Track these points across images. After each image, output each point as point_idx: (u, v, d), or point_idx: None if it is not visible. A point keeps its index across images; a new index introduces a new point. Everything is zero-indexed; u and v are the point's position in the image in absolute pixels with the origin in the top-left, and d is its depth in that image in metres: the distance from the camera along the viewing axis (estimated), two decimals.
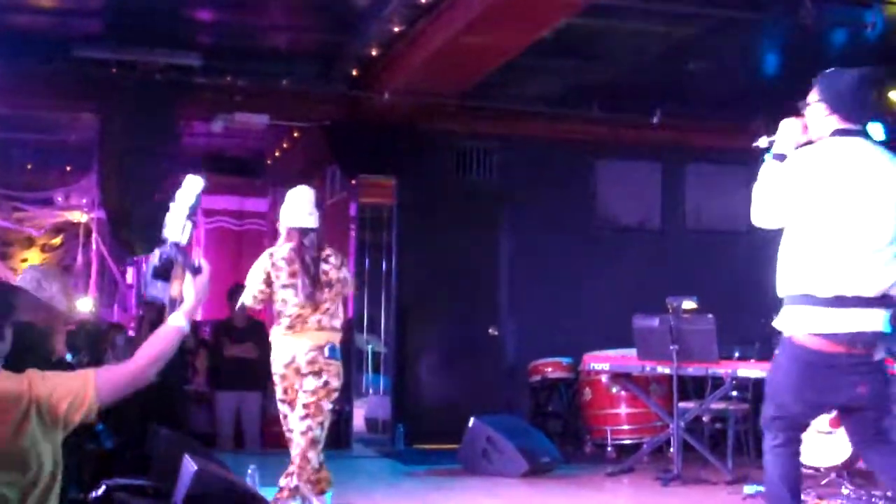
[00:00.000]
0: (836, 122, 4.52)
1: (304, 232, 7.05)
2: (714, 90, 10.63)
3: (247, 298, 7.09)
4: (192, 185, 3.58)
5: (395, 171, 11.15)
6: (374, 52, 9.82)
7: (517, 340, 11.20)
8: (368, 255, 11.64)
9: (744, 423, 9.46)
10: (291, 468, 6.64)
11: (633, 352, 9.02)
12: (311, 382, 6.72)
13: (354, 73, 10.39)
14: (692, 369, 8.73)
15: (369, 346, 11.71)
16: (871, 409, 4.51)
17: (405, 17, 8.96)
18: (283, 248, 6.97)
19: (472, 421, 9.03)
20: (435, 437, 10.37)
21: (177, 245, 3.49)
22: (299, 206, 7.17)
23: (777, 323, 4.58)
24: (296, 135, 12.44)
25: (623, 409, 10.02)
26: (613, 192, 11.85)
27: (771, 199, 4.50)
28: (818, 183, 4.39)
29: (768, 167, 4.59)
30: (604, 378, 9.80)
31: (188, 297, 3.35)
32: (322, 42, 10.15)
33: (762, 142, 4.80)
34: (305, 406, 6.70)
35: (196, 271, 3.40)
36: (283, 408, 6.86)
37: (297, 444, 6.68)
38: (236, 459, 7.82)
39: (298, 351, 6.75)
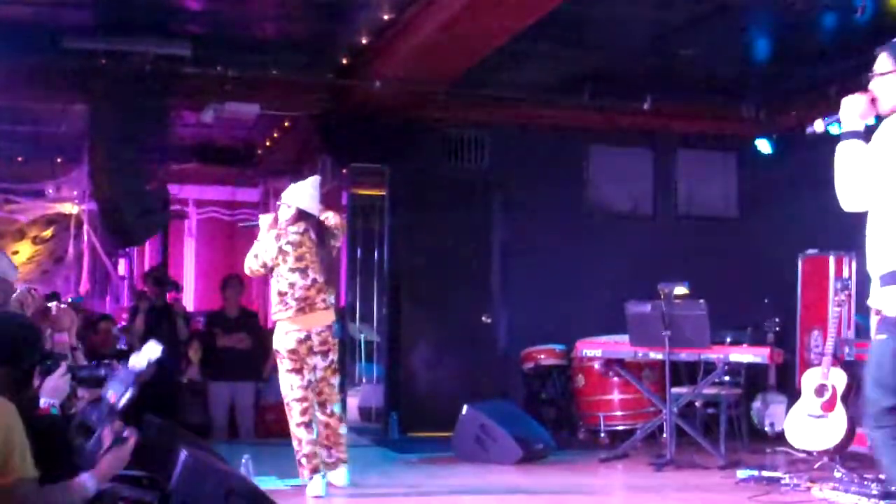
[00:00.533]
0: None
1: (312, 218, 7.41)
2: (705, 75, 10.64)
3: (254, 263, 7.44)
4: (149, 352, 3.63)
5: (386, 159, 11.14)
6: (364, 41, 9.80)
7: (510, 328, 11.22)
8: (360, 244, 11.65)
9: (736, 407, 9.50)
10: (308, 448, 7.14)
11: (625, 338, 9.05)
12: (321, 362, 7.27)
13: (345, 61, 10.36)
14: (684, 355, 8.76)
15: (362, 335, 11.73)
16: None
17: (395, 5, 8.93)
18: (290, 231, 7.30)
19: (465, 408, 9.05)
20: (428, 425, 10.39)
21: (111, 408, 3.53)
22: (313, 193, 7.54)
23: (878, 303, 4.35)
24: (287, 124, 12.42)
25: (616, 395, 10.05)
26: (605, 178, 11.85)
27: (861, 180, 4.21)
28: None
29: (846, 148, 4.28)
30: (596, 364, 9.82)
31: (105, 464, 3.31)
32: (312, 31, 10.11)
33: (818, 125, 4.55)
34: (321, 393, 7.29)
35: (121, 441, 3.40)
36: (291, 377, 7.22)
37: (325, 424, 7.30)
38: (230, 449, 7.82)
39: (313, 330, 7.22)
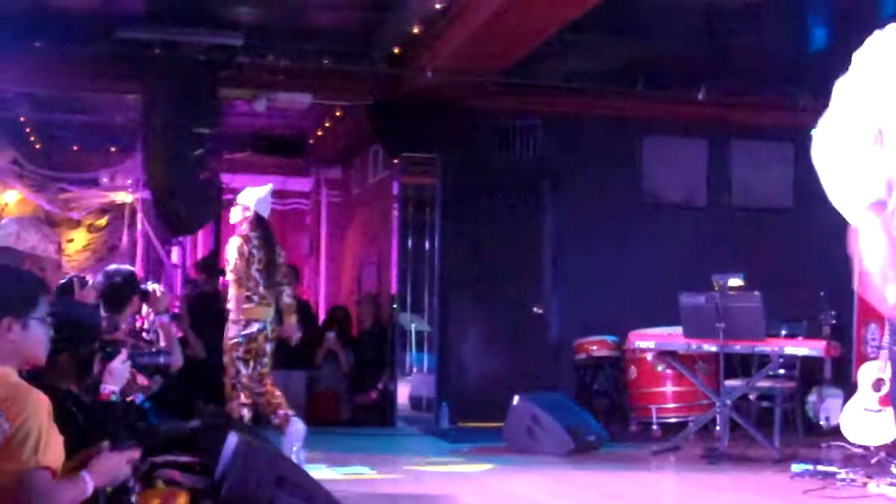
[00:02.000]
0: None
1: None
2: (761, 64, 10.49)
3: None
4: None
5: (437, 149, 11.12)
6: (415, 30, 9.78)
7: (562, 318, 11.16)
8: (411, 234, 11.63)
9: (791, 401, 9.38)
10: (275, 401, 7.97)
11: (678, 329, 8.96)
12: (271, 348, 8.09)
13: (396, 51, 10.35)
14: (739, 347, 8.66)
15: (412, 325, 11.71)
16: None
17: None
18: (253, 237, 8.07)
19: (516, 399, 9.01)
20: (479, 416, 10.37)
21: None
22: (269, 200, 8.35)
23: None
24: (338, 114, 12.43)
25: (669, 388, 9.96)
26: (658, 168, 11.74)
27: None
28: None
29: None
30: (649, 356, 9.75)
31: (98, 465, 3.30)
32: (364, 20, 10.11)
33: None
34: (264, 367, 8.02)
35: (121, 448, 3.39)
36: (241, 364, 7.89)
37: (273, 394, 8.01)
38: (281, 436, 7.85)
39: (269, 321, 8.02)
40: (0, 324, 3.15)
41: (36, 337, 3.25)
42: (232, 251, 8.04)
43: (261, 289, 7.99)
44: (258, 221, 8.10)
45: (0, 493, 2.99)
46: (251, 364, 7.93)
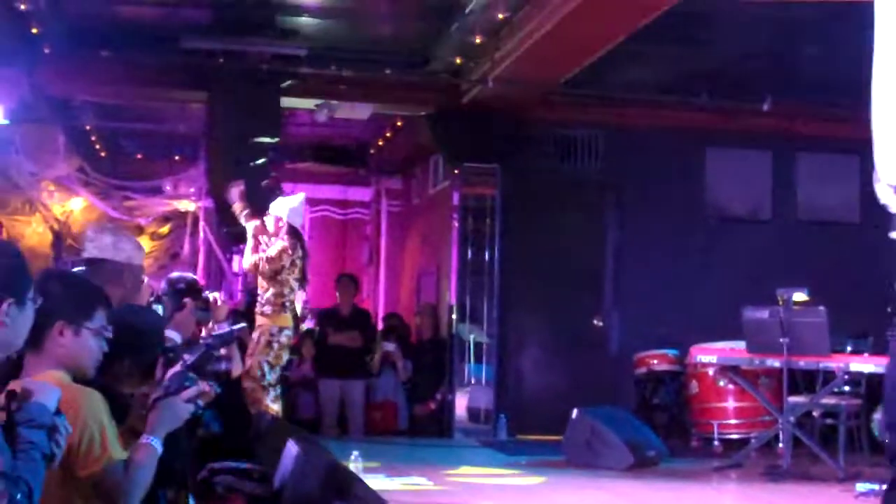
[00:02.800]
0: None
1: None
2: (827, 76, 10.33)
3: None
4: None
5: (498, 159, 11.09)
6: (477, 40, 9.77)
7: (622, 331, 11.07)
8: (471, 245, 11.59)
9: (856, 419, 9.20)
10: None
11: (741, 344, 8.83)
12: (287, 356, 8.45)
13: (458, 61, 10.35)
14: (803, 363, 8.51)
15: (471, 336, 11.67)
16: None
17: (509, 5, 8.89)
18: (297, 246, 8.30)
19: (575, 412, 8.94)
20: (538, 428, 10.32)
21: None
22: (301, 210, 8.62)
23: None
24: (399, 124, 12.47)
25: (731, 403, 9.83)
26: (722, 180, 11.62)
27: None
28: None
29: None
30: (711, 371, 9.63)
31: (153, 417, 3.29)
32: (425, 31, 10.13)
33: None
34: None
35: (173, 392, 3.37)
36: (267, 367, 8.06)
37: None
38: (340, 446, 7.85)
39: (292, 328, 8.41)
40: (53, 327, 3.16)
41: (87, 347, 3.23)
42: (276, 258, 8.15)
43: (293, 296, 8.21)
44: (292, 232, 8.24)
45: (86, 498, 3.02)
46: (276, 368, 8.13)
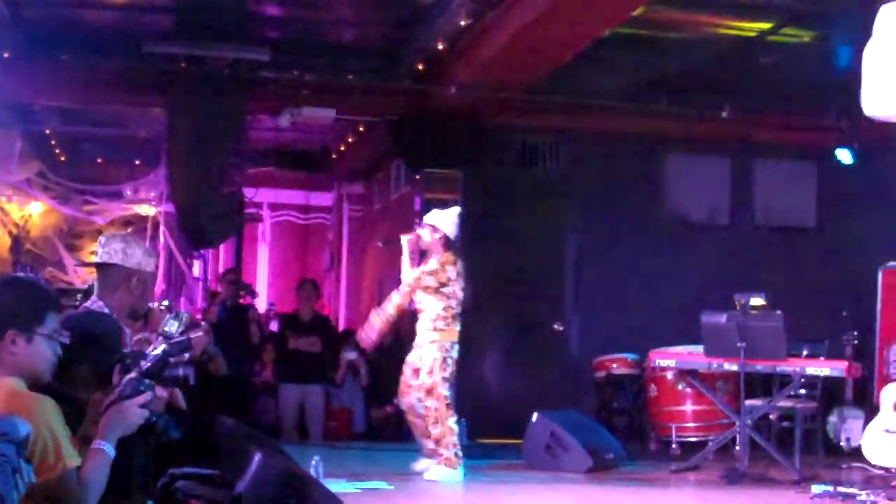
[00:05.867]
0: None
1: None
2: (786, 84, 10.47)
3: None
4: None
5: (460, 165, 11.13)
6: (440, 46, 9.80)
7: (582, 336, 11.15)
8: None
9: (812, 421, 9.32)
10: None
11: (699, 348, 8.92)
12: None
13: (420, 67, 10.38)
14: (760, 366, 8.61)
15: None
16: None
17: (472, 11, 8.93)
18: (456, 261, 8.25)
19: (535, 416, 8.99)
20: (498, 432, 10.34)
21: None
22: (457, 223, 8.29)
23: None
24: (361, 129, 12.48)
25: (689, 406, 9.92)
26: (681, 186, 11.73)
27: None
28: None
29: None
30: (670, 374, 9.71)
31: (104, 421, 3.31)
32: (388, 36, 10.16)
33: None
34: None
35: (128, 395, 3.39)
36: (444, 386, 8.02)
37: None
38: (300, 451, 7.84)
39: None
40: (4, 336, 3.16)
41: (40, 353, 3.23)
42: (440, 270, 8.01)
43: (460, 308, 8.10)
44: (448, 244, 8.12)
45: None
46: (448, 385, 8.03)
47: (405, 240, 8.23)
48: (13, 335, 3.16)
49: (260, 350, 11.30)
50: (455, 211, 8.37)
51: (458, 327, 8.08)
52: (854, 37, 9.41)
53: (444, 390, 7.98)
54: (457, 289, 8.06)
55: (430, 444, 8.01)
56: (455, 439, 7.97)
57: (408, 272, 8.12)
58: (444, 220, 8.17)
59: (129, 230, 13.45)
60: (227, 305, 11.00)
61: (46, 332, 3.25)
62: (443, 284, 7.99)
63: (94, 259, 4.65)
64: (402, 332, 11.73)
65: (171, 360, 3.78)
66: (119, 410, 3.29)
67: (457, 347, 8.06)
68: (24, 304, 3.24)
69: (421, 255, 8.21)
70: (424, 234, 8.15)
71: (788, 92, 10.71)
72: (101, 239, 4.67)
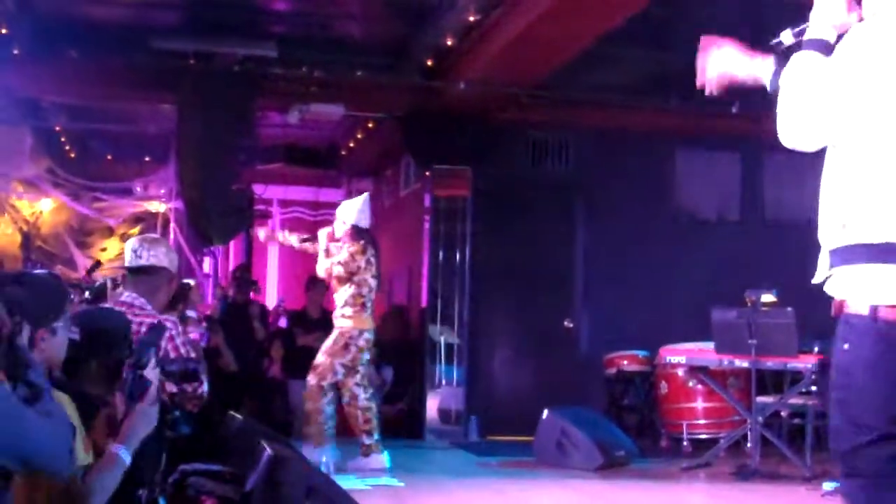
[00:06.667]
0: None
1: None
2: None
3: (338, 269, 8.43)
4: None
5: (469, 161, 11.11)
6: (448, 42, 9.79)
7: (592, 332, 11.12)
8: (442, 247, 11.62)
9: (823, 418, 9.27)
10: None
11: (710, 345, 8.89)
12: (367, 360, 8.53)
13: (429, 63, 10.36)
14: (771, 363, 8.58)
15: (442, 338, 11.69)
16: None
17: (480, 7, 8.91)
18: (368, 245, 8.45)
19: (545, 413, 8.98)
20: (508, 429, 10.34)
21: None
22: (367, 210, 8.52)
23: (837, 290, 3.07)
24: (370, 125, 12.46)
25: (700, 403, 9.89)
26: (691, 182, 11.69)
27: (814, 105, 2.96)
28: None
29: (802, 60, 3.02)
30: (680, 371, 9.69)
31: (126, 428, 3.30)
32: (397, 33, 10.14)
33: (785, 36, 3.24)
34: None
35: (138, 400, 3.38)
36: (347, 375, 8.24)
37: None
38: (310, 447, 7.85)
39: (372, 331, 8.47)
40: (37, 334, 3.18)
41: (61, 341, 3.29)
42: (350, 260, 8.20)
43: (373, 296, 8.28)
44: (358, 232, 8.30)
45: (42, 498, 3.02)
46: (356, 374, 8.22)
47: (321, 233, 8.51)
48: (42, 334, 3.19)
49: (267, 346, 11.29)
50: (362, 199, 8.53)
51: (367, 315, 8.19)
52: None
53: (340, 374, 8.15)
54: (367, 277, 8.20)
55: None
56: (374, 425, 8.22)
57: (321, 264, 8.41)
58: (351, 211, 8.35)
59: (140, 227, 13.48)
60: (228, 301, 11.00)
61: (65, 320, 3.29)
62: (353, 273, 8.17)
63: (129, 262, 4.85)
64: (413, 332, 11.75)
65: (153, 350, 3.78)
66: (142, 414, 3.30)
67: (366, 337, 8.18)
68: (49, 300, 3.27)
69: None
70: (336, 226, 8.38)
71: None
72: (135, 242, 4.88)
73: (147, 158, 13.66)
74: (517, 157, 11.28)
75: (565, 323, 11.14)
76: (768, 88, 3.23)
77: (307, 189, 15.55)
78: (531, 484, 7.99)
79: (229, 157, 10.42)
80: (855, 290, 2.99)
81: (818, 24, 3.08)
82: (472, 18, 9.11)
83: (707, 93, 3.42)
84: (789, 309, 8.42)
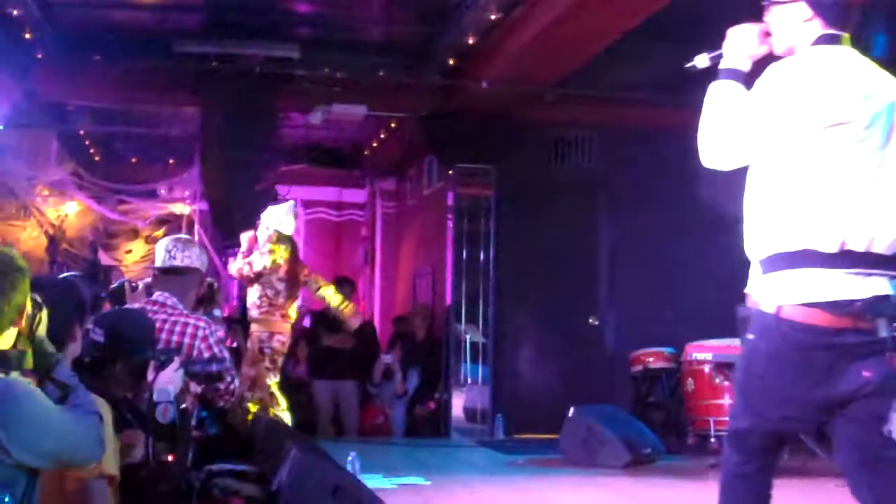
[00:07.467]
0: (819, 28, 3.43)
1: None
2: None
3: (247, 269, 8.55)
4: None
5: (492, 160, 11.11)
6: (470, 41, 9.78)
7: (618, 330, 11.09)
8: (466, 245, 11.64)
9: None
10: None
11: (737, 341, 8.83)
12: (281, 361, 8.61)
13: (451, 62, 10.36)
14: None
15: (467, 336, 11.70)
16: (876, 401, 3.37)
17: (502, 5, 8.90)
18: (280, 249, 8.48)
19: (572, 411, 8.95)
20: (534, 427, 10.33)
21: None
22: (290, 216, 8.62)
23: (754, 293, 3.50)
24: (393, 125, 12.48)
25: (726, 400, 9.81)
26: (716, 179, 11.58)
27: (732, 131, 3.38)
28: (811, 105, 3.27)
29: (719, 88, 3.47)
30: (707, 368, 9.62)
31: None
32: (419, 32, 10.15)
33: (700, 61, 3.68)
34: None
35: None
36: (270, 374, 8.27)
37: None
38: (336, 447, 7.85)
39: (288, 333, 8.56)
40: (74, 331, 3.23)
41: (82, 335, 3.35)
42: (258, 261, 8.30)
43: (280, 300, 8.28)
44: (279, 238, 8.39)
45: (63, 500, 3.03)
46: (277, 374, 8.29)
47: (243, 237, 8.61)
48: (78, 330, 3.24)
49: (292, 346, 11.31)
50: (287, 205, 8.64)
51: (277, 318, 8.24)
52: (890, 25, 9.34)
53: (271, 377, 8.23)
54: (273, 279, 8.26)
55: None
56: (286, 417, 8.22)
57: (235, 264, 8.59)
58: (275, 217, 8.44)
59: (164, 229, 13.54)
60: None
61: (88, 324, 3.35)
62: (258, 275, 8.26)
63: (163, 262, 4.96)
64: (438, 331, 11.75)
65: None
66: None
67: (277, 338, 8.22)
68: (81, 301, 3.32)
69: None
70: (260, 231, 8.47)
71: None
72: (170, 243, 4.99)
73: (171, 161, 13.73)
74: (540, 155, 11.26)
75: (590, 320, 11.12)
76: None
77: (330, 189, 15.58)
78: (558, 482, 7.97)
79: (253, 159, 10.45)
80: (766, 290, 3.37)
81: (733, 55, 3.50)
82: (493, 17, 9.11)
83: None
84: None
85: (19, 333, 2.61)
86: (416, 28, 10.08)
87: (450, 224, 11.53)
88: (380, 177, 14.85)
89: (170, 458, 3.41)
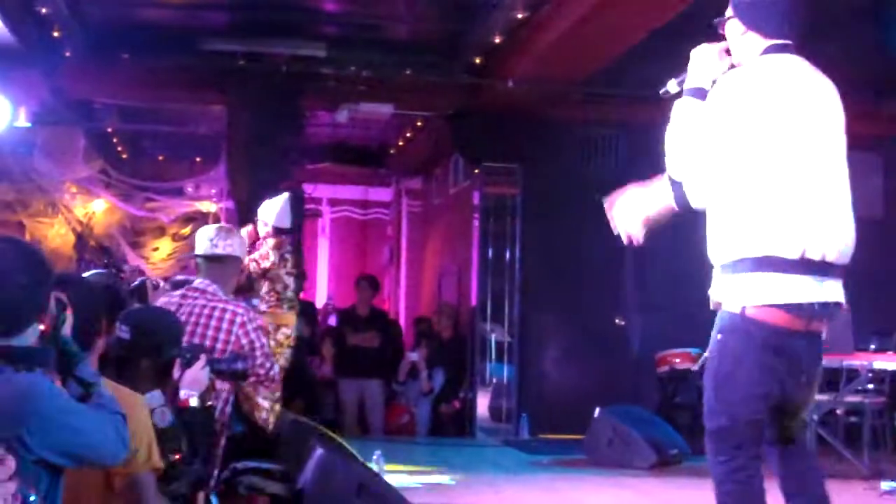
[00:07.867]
0: (759, 40, 3.66)
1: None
2: (848, 73, 10.26)
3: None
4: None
5: (518, 159, 11.08)
6: (497, 40, 9.75)
7: (644, 330, 11.02)
8: (492, 244, 11.61)
9: (880, 417, 9.14)
10: None
11: None
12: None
13: (478, 61, 10.33)
14: (826, 361, 8.43)
15: (493, 335, 11.68)
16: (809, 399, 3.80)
17: (529, 4, 8.86)
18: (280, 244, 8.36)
19: (597, 411, 8.92)
20: (559, 427, 10.29)
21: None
22: (287, 210, 8.48)
23: (717, 295, 3.81)
24: (419, 124, 12.46)
25: None
26: None
27: (693, 144, 3.65)
28: (764, 114, 3.50)
29: (684, 105, 3.75)
30: None
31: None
32: (445, 31, 10.13)
33: (671, 86, 3.95)
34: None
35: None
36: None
37: None
38: (361, 445, 7.85)
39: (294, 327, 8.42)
40: (101, 329, 3.25)
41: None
42: (265, 256, 8.24)
43: (289, 293, 8.27)
44: (277, 232, 8.34)
45: (113, 495, 3.05)
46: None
47: (242, 232, 8.49)
48: (107, 327, 3.26)
49: (318, 345, 11.34)
50: (282, 199, 8.51)
51: (284, 311, 8.18)
52: None
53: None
54: (281, 273, 8.23)
55: None
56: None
57: None
58: (271, 212, 8.37)
59: (191, 227, 13.59)
60: None
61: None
62: (266, 270, 8.19)
63: (205, 250, 5.07)
64: (463, 330, 11.73)
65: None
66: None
67: (284, 332, 8.16)
68: (109, 298, 3.35)
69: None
70: (259, 227, 8.40)
71: (851, 82, 10.47)
72: (212, 231, 5.13)
73: (198, 159, 13.77)
74: (567, 155, 11.22)
75: (616, 321, 11.07)
76: (675, 208, 3.96)
77: (357, 188, 15.60)
78: (584, 482, 7.95)
79: (279, 157, 10.46)
80: (731, 292, 3.67)
81: (695, 74, 3.76)
82: (519, 15, 9.07)
83: (635, 242, 4.01)
84: (845, 305, 8.28)
85: (43, 331, 2.61)
86: (442, 26, 10.06)
87: (475, 223, 11.50)
88: (406, 175, 14.85)
89: (177, 457, 3.39)
